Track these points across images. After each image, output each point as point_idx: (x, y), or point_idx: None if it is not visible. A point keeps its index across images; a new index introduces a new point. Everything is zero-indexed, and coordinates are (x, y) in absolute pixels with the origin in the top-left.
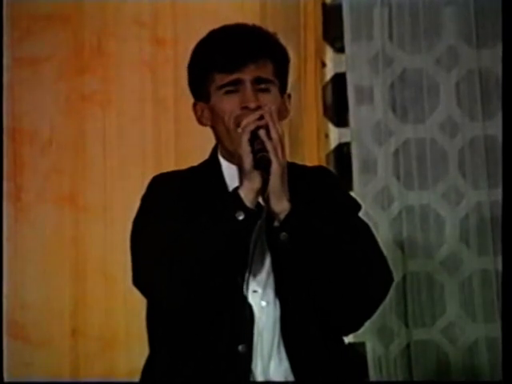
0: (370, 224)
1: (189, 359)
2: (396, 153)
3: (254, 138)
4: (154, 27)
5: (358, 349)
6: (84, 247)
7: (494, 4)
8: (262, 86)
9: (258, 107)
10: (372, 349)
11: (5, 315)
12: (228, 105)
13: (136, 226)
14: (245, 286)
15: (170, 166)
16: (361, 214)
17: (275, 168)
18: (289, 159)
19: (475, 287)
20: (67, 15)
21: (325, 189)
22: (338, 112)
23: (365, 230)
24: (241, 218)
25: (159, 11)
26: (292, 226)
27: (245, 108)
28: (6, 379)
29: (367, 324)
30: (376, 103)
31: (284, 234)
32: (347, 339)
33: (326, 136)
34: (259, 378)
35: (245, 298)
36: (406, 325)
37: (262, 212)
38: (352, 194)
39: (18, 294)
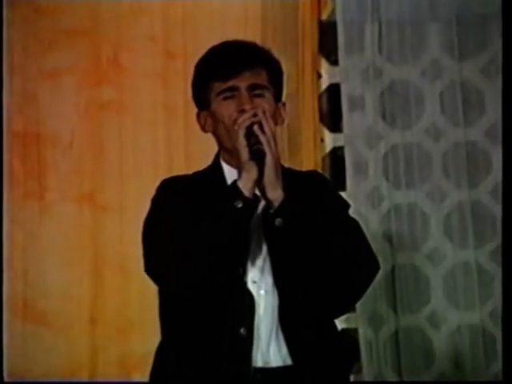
0: (362, 221)
1: (196, 342)
2: (385, 156)
3: (249, 133)
4: (166, 42)
5: (351, 334)
6: (102, 241)
7: (474, 20)
8: (257, 91)
9: (253, 108)
10: (364, 334)
11: (28, 303)
12: (226, 109)
13: (148, 223)
14: (246, 276)
15: (180, 168)
16: (352, 212)
17: (269, 159)
18: (288, 162)
19: (457, 278)
20: (86, 31)
21: (317, 191)
22: (332, 119)
23: (353, 224)
24: (240, 205)
25: (170, 28)
26: (286, 212)
27: (241, 111)
28: (27, 365)
29: (359, 311)
30: (367, 111)
31: (279, 219)
32: (341, 325)
33: (322, 140)
34: (259, 362)
35: (245, 285)
36: (395, 312)
37: (258, 200)
38: (345, 193)
39: (40, 284)
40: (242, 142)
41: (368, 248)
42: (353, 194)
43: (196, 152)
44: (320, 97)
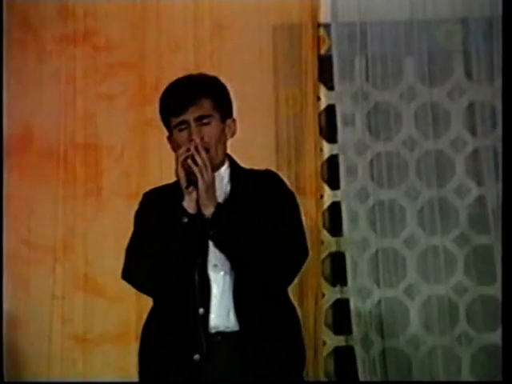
0: (352, 213)
1: (167, 319)
2: (371, 162)
3: (188, 165)
4: (198, 71)
5: (344, 303)
6: None
7: (442, 55)
8: (204, 120)
9: (201, 138)
10: (354, 303)
11: (88, 279)
12: (180, 139)
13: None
14: (207, 263)
15: None
16: (344, 207)
17: (201, 185)
18: (293, 167)
19: (428, 258)
20: (134, 63)
21: (266, 187)
22: (329, 132)
23: (291, 220)
24: (185, 220)
25: (200, 61)
26: (216, 223)
27: (191, 140)
28: (87, 328)
29: (350, 285)
30: (357, 126)
31: (212, 229)
32: (335, 296)
33: (321, 150)
34: (221, 327)
35: (205, 271)
36: (378, 286)
37: (202, 215)
38: (339, 191)
39: (98, 263)
40: (179, 173)
41: (299, 239)
42: (345, 192)
43: None
44: (319, 115)
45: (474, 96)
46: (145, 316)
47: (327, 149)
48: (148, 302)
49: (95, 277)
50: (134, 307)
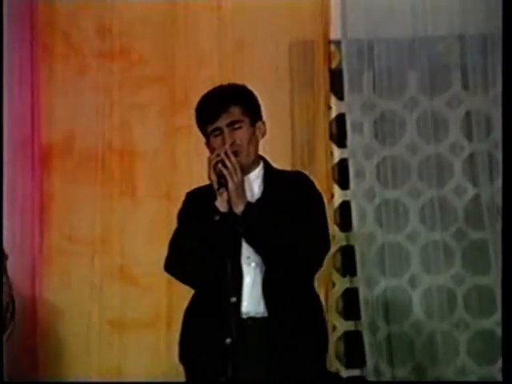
0: (360, 211)
1: (204, 306)
2: (377, 165)
3: (219, 169)
4: (222, 83)
5: (353, 292)
6: (175, 225)
7: (441, 69)
8: (235, 125)
9: (234, 141)
10: (362, 292)
11: (124, 270)
12: (216, 144)
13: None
14: (240, 255)
15: None
16: (353, 206)
17: (230, 186)
18: (307, 169)
19: (429, 252)
20: (164, 76)
21: (296, 186)
22: (339, 138)
23: (318, 218)
24: (217, 218)
25: (224, 74)
26: (246, 221)
27: (224, 144)
28: (122, 314)
29: (359, 275)
30: (364, 133)
31: (242, 226)
32: (345, 285)
33: (332, 154)
34: (251, 313)
35: (238, 262)
36: (384, 276)
37: (234, 213)
38: (348, 191)
39: (132, 256)
40: (212, 176)
41: (324, 235)
42: (354, 192)
43: None
44: (331, 123)
45: (470, 105)
46: (174, 303)
47: (338, 153)
48: (177, 291)
49: (130, 268)
50: (164, 295)
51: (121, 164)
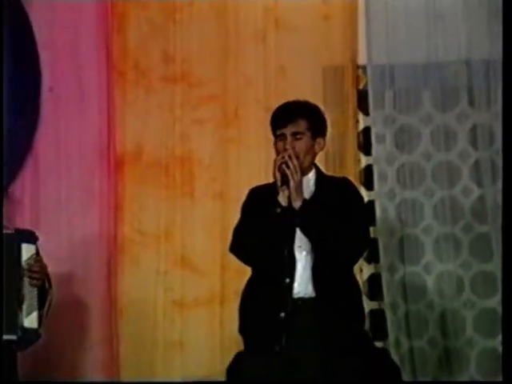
0: (382, 209)
1: (262, 285)
2: (398, 170)
3: (283, 169)
4: (266, 102)
5: (377, 277)
6: (227, 221)
7: (451, 89)
8: (298, 136)
9: (293, 148)
10: (384, 277)
11: (184, 258)
12: (279, 146)
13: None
14: (294, 243)
15: (269, 176)
16: (377, 204)
17: (291, 184)
18: (338, 174)
19: (441, 243)
20: (218, 95)
21: (343, 192)
22: (366, 148)
23: (359, 218)
24: (278, 211)
25: (268, 94)
26: (302, 215)
27: (285, 149)
28: (183, 294)
29: (382, 263)
30: (387, 143)
31: (298, 219)
32: (370, 271)
33: (359, 161)
34: (301, 293)
35: (292, 250)
36: (403, 264)
37: (292, 208)
38: (373, 192)
39: (192, 247)
40: (276, 175)
41: (365, 234)
42: (378, 193)
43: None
44: (358, 134)
45: (475, 120)
46: (226, 286)
47: (364, 160)
48: (229, 275)
49: (189, 257)
50: (218, 280)
51: (181, 169)
